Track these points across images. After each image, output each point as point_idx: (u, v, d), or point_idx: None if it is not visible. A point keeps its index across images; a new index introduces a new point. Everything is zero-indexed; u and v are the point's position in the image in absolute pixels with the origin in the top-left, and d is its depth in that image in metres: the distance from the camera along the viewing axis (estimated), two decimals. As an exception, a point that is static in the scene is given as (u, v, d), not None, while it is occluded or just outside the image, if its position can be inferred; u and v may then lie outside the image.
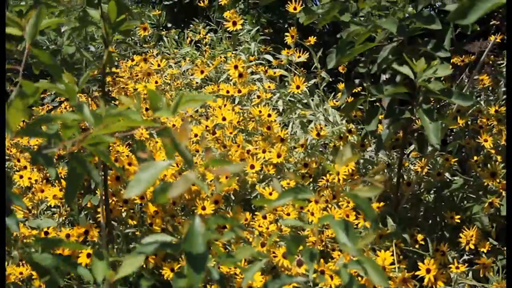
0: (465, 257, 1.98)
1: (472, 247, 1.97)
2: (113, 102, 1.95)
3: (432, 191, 2.33)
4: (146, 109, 2.44)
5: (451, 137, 2.49)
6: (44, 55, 1.06)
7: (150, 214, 1.99)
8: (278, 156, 2.21)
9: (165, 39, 3.34)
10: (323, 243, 1.96)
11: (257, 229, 1.97)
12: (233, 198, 2.24)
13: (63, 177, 2.10)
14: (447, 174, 2.32)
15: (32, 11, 1.02)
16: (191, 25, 3.38)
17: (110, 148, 2.14)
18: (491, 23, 2.73)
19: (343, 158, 0.90)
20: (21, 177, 2.14)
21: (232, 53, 2.92)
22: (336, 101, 2.67)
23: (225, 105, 2.32)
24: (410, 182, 2.21)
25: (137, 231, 2.07)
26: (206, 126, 2.27)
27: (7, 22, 1.03)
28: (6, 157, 2.40)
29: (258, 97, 2.50)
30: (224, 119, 2.25)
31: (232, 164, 0.79)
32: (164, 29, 3.58)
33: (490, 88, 2.51)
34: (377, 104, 1.95)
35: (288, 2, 2.56)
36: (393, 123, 1.85)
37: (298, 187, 0.92)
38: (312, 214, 1.97)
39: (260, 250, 1.82)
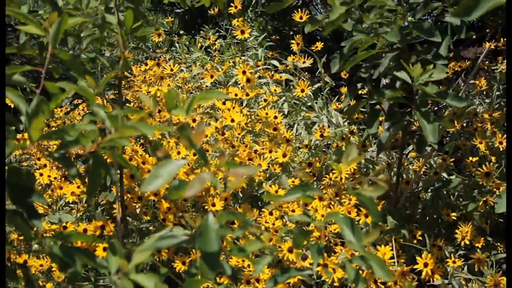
0: (461, 252, 1.98)
1: (468, 242, 1.97)
2: (127, 105, 1.95)
3: (429, 190, 2.33)
4: (159, 111, 2.45)
5: (447, 139, 2.49)
6: (66, 55, 1.07)
7: (163, 210, 1.99)
8: (284, 156, 2.21)
9: (177, 45, 3.34)
10: (326, 238, 1.96)
11: (264, 225, 1.97)
12: (241, 195, 2.25)
13: (82, 175, 2.10)
14: (444, 174, 2.32)
15: (54, 14, 1.02)
16: (201, 32, 3.39)
17: (125, 147, 2.15)
18: (487, 30, 2.73)
19: (349, 158, 0.90)
20: (41, 175, 2.14)
21: (240, 59, 2.93)
22: (339, 104, 2.67)
23: (233, 108, 2.33)
24: (409, 181, 2.21)
25: (151, 226, 2.08)
26: (216, 127, 2.27)
27: (26, 21, 1.03)
28: (27, 156, 2.41)
29: (265, 100, 2.50)
30: (232, 120, 2.26)
31: (245, 167, 0.79)
32: (176, 36, 3.58)
33: (485, 92, 2.51)
34: (378, 107, 1.95)
35: (295, 11, 2.57)
36: (393, 125, 1.85)
37: (305, 184, 0.92)
38: (316, 210, 1.97)
39: (268, 244, 1.82)
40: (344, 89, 2.73)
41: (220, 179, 2.03)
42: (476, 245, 1.97)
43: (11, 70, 0.99)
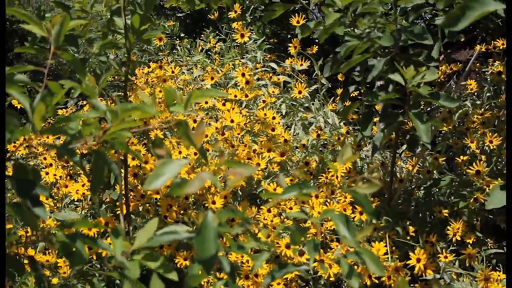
0: (452, 247, 1.98)
1: (459, 238, 1.97)
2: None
3: (422, 188, 2.33)
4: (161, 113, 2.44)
5: (439, 138, 2.49)
6: (68, 55, 1.06)
7: (165, 207, 1.99)
8: (282, 155, 2.21)
9: (178, 47, 3.34)
10: (322, 235, 1.96)
11: (262, 222, 1.98)
12: (240, 193, 2.24)
13: (87, 172, 2.10)
14: (436, 172, 2.32)
15: (57, 16, 1.02)
16: (202, 35, 3.39)
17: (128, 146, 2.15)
18: (475, 33, 2.73)
19: (344, 157, 0.90)
20: (47, 173, 2.14)
21: (240, 61, 2.92)
22: (335, 105, 2.67)
23: (233, 109, 2.33)
24: (402, 179, 2.21)
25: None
26: (216, 128, 2.27)
27: (27, 21, 1.03)
28: (33, 156, 2.41)
29: (264, 101, 2.50)
30: (232, 121, 2.26)
31: (245, 167, 0.79)
32: (177, 39, 3.58)
33: (476, 93, 2.51)
34: (372, 108, 1.95)
35: (292, 15, 2.57)
36: (387, 126, 1.85)
37: (302, 183, 0.92)
38: (313, 208, 1.97)
39: (266, 241, 1.82)
40: (339, 91, 2.74)
41: (220, 177, 2.03)
42: (467, 241, 1.97)
43: (14, 69, 0.99)
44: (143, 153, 2.14)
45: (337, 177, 2.11)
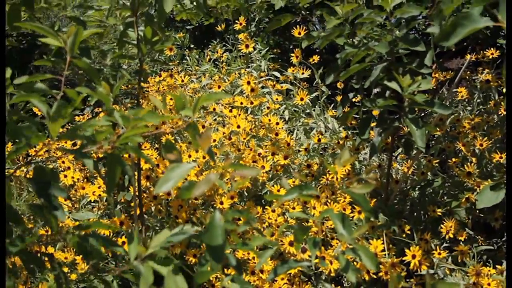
0: (445, 244, 1.98)
1: (452, 236, 1.97)
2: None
3: (417, 188, 2.33)
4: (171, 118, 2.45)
5: (433, 142, 2.49)
6: (83, 62, 1.07)
7: (175, 208, 2.00)
8: (285, 158, 2.22)
9: (187, 58, 3.35)
10: (324, 233, 1.97)
11: (267, 221, 1.99)
12: (246, 194, 2.25)
13: (102, 175, 2.11)
14: (429, 174, 2.32)
15: (72, 28, 1.03)
16: (210, 46, 3.40)
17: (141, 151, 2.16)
18: (465, 43, 2.73)
19: (342, 160, 0.91)
20: (65, 176, 2.16)
21: (245, 70, 2.94)
22: (335, 111, 2.68)
23: (239, 115, 2.34)
24: (398, 180, 2.22)
25: (165, 223, 2.09)
26: (223, 133, 2.28)
27: (46, 34, 1.04)
28: (52, 160, 2.42)
29: (268, 108, 2.52)
30: (238, 126, 2.27)
31: (250, 169, 0.81)
32: (187, 49, 3.59)
33: (467, 100, 2.52)
34: (370, 114, 1.95)
35: (294, 27, 2.59)
36: (384, 131, 1.86)
37: (303, 185, 0.93)
38: (314, 208, 1.98)
39: (271, 239, 1.83)
40: (339, 98, 2.75)
41: (227, 179, 2.04)
42: (459, 238, 1.98)
43: (33, 78, 1.00)
44: (155, 157, 2.15)
45: (337, 179, 2.12)
